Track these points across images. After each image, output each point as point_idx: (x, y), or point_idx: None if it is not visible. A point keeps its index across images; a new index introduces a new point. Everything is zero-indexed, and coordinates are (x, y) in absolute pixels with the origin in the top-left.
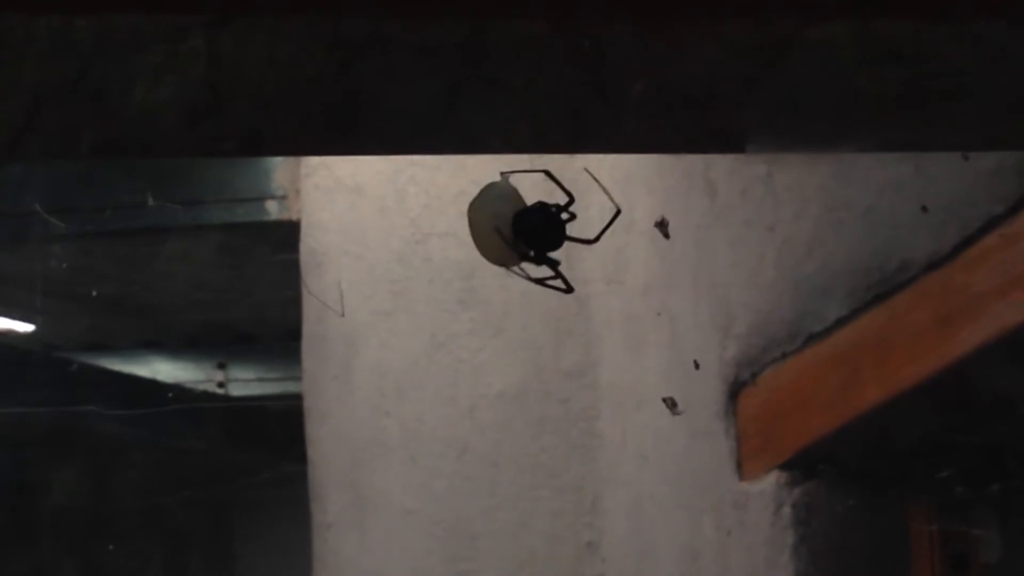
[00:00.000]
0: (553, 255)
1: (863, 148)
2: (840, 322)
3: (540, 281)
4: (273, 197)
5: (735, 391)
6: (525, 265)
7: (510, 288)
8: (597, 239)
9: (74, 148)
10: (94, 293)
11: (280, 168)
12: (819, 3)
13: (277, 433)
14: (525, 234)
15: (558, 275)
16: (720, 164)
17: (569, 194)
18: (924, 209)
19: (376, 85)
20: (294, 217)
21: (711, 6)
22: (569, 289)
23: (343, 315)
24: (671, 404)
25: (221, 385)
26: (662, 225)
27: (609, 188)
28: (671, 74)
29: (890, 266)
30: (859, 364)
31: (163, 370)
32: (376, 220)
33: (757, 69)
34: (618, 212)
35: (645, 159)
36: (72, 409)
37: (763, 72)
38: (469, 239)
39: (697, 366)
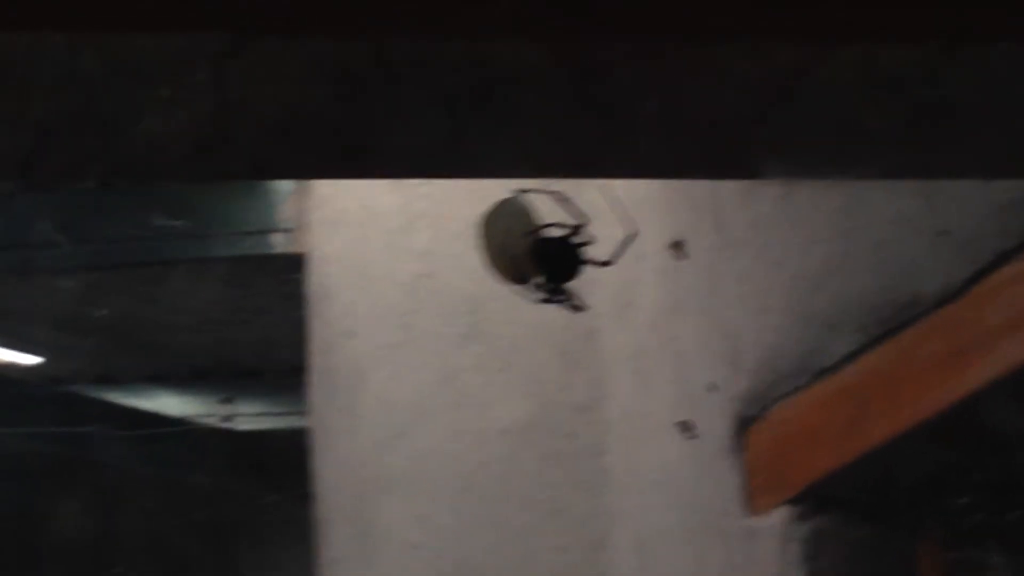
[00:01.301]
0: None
1: (870, 175)
2: (849, 357)
3: (549, 299)
4: (281, 230)
5: (744, 425)
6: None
7: (518, 322)
8: (613, 261)
9: (82, 177)
10: (101, 314)
11: (288, 201)
12: (826, 32)
13: (282, 467)
14: (544, 262)
15: (568, 296)
16: (729, 197)
17: (582, 218)
18: (941, 234)
19: (382, 113)
20: (301, 250)
21: (718, 34)
22: (579, 308)
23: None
24: (685, 427)
25: (227, 419)
26: (677, 247)
27: (618, 221)
28: (678, 101)
29: (900, 301)
30: (868, 399)
31: (169, 404)
32: (384, 253)
33: (765, 96)
34: (635, 233)
35: (653, 191)
36: (77, 442)
37: (770, 98)
38: (478, 272)
39: (712, 388)
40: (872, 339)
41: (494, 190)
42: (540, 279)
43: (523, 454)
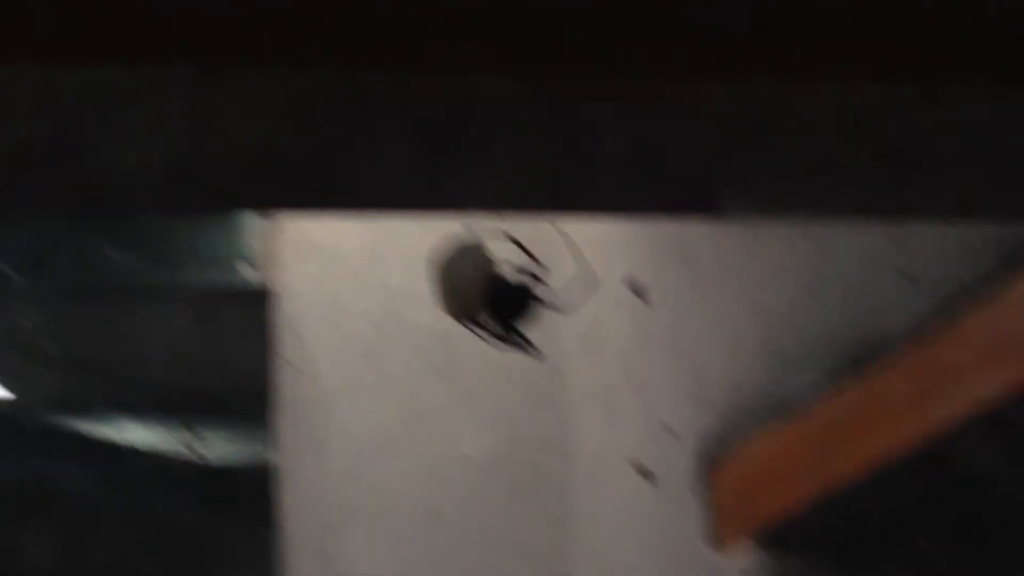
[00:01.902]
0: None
1: (840, 215)
2: (817, 394)
3: (503, 340)
4: (248, 262)
5: (711, 462)
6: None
7: (485, 355)
8: (573, 311)
9: (54, 207)
10: (67, 343)
11: (256, 233)
12: (800, 69)
13: (249, 498)
14: (494, 303)
15: (523, 340)
16: (698, 234)
17: (535, 259)
18: (904, 275)
19: (355, 147)
20: (268, 282)
21: (689, 70)
22: (535, 352)
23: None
24: (642, 469)
25: (193, 450)
26: (635, 287)
27: (591, 255)
28: (645, 138)
29: (867, 339)
30: (836, 436)
31: (135, 434)
32: (351, 286)
33: (735, 134)
34: (595, 282)
35: (622, 227)
36: (41, 471)
37: (741, 136)
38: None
39: (669, 431)
40: (840, 377)
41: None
42: (491, 320)
43: (489, 489)
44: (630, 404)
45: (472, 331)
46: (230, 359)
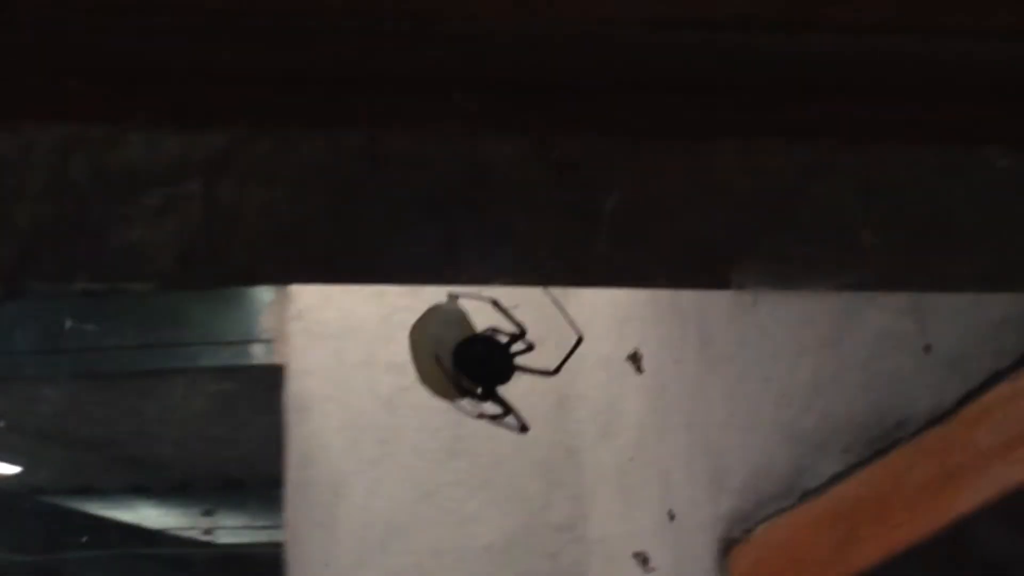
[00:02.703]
0: (507, 388)
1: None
2: (837, 478)
3: (490, 418)
4: (260, 341)
5: (727, 547)
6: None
7: (499, 438)
8: (557, 371)
9: (68, 285)
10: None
11: (267, 311)
12: (814, 134)
13: None
14: (467, 366)
15: (510, 412)
16: (715, 312)
17: (520, 325)
18: (927, 349)
19: (370, 214)
20: (281, 361)
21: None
22: (523, 429)
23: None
24: (643, 560)
25: (208, 532)
26: (635, 358)
27: (603, 336)
28: (661, 206)
29: (889, 421)
30: (856, 522)
31: (149, 516)
32: (363, 366)
33: (750, 202)
34: (579, 340)
35: (639, 307)
36: (53, 553)
37: (756, 205)
38: None
39: (672, 517)
40: (860, 460)
41: (477, 303)
42: (472, 387)
43: (504, 573)
44: (646, 486)
45: (456, 407)
46: (246, 439)
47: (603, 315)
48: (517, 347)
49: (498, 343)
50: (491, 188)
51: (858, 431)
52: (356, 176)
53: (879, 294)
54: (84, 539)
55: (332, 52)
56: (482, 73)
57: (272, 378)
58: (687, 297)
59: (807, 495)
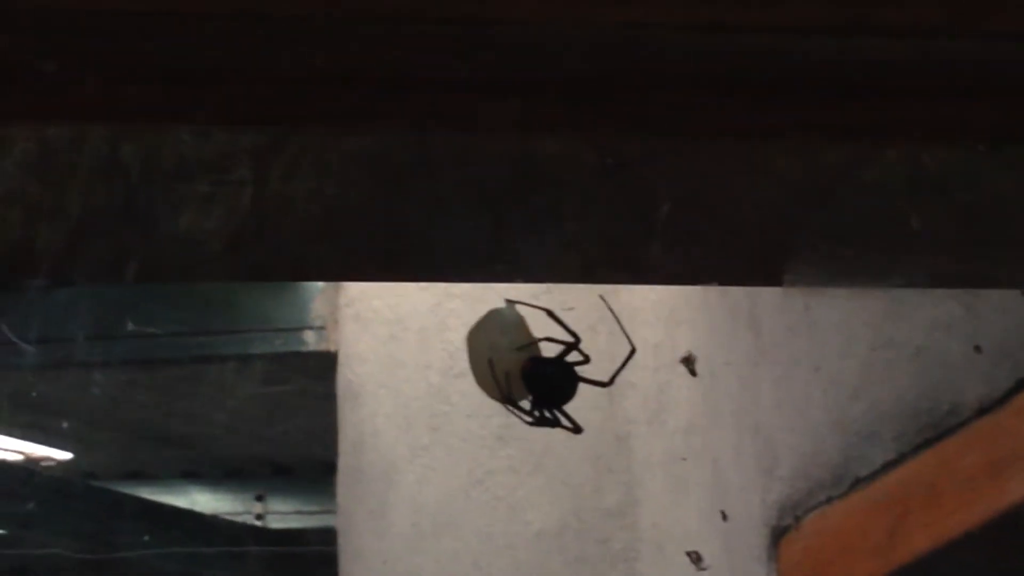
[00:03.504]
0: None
1: (911, 283)
2: (888, 466)
3: (542, 422)
4: (313, 327)
5: (778, 536)
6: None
7: None
8: (611, 381)
9: (118, 274)
10: (134, 409)
11: (319, 298)
12: (863, 130)
13: (314, 567)
14: (536, 384)
15: (563, 415)
16: (765, 301)
17: (574, 335)
18: (977, 349)
19: (422, 210)
20: (332, 348)
21: (755, 132)
22: (577, 430)
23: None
24: (696, 559)
25: (259, 517)
26: (688, 361)
27: (653, 324)
28: (712, 203)
29: (940, 409)
30: (907, 510)
31: (201, 501)
32: (415, 353)
33: (801, 198)
34: (632, 352)
35: (689, 295)
36: (106, 538)
37: (808, 201)
38: None
39: (725, 517)
40: (911, 448)
41: (527, 289)
42: (530, 400)
43: (554, 559)
44: (696, 476)
45: (508, 409)
46: (297, 425)
47: (651, 303)
48: (572, 357)
49: (568, 365)
50: (541, 184)
51: (908, 419)
52: (407, 171)
53: None
54: (146, 538)
55: (385, 56)
56: (534, 75)
57: (323, 365)
58: (736, 286)
59: (857, 483)
